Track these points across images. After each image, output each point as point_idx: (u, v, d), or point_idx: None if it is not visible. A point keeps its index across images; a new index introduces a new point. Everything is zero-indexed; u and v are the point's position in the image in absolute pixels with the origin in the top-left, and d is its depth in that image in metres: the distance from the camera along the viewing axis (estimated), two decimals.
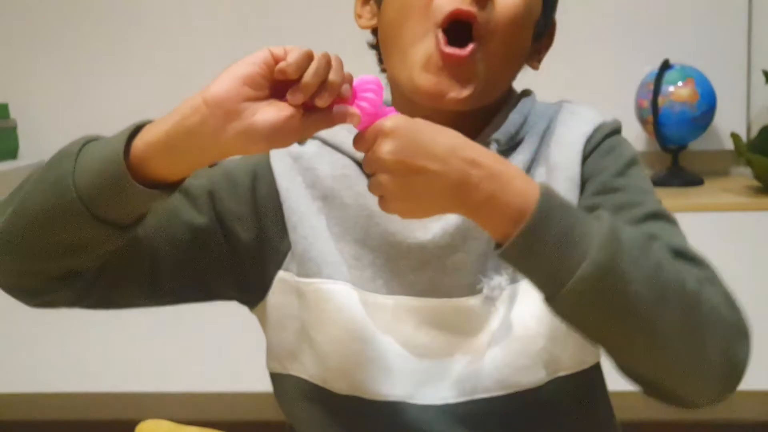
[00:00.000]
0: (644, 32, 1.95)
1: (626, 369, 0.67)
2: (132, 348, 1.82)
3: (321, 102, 0.57)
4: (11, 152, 2.06)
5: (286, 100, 0.58)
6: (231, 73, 0.58)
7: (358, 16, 0.81)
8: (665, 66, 1.76)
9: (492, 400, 0.74)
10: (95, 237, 0.64)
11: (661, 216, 0.72)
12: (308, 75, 0.56)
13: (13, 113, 2.08)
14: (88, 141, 0.64)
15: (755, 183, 1.75)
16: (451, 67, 0.71)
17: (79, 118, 1.91)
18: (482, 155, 0.62)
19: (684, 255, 0.67)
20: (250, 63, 0.58)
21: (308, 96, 0.57)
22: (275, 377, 0.81)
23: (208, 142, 0.58)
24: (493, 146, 0.74)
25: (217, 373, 1.77)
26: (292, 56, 0.57)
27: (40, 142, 2.00)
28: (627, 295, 0.60)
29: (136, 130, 0.61)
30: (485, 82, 0.73)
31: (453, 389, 0.75)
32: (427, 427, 0.75)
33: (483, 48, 0.71)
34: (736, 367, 0.64)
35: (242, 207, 0.76)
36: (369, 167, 0.61)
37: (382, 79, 0.71)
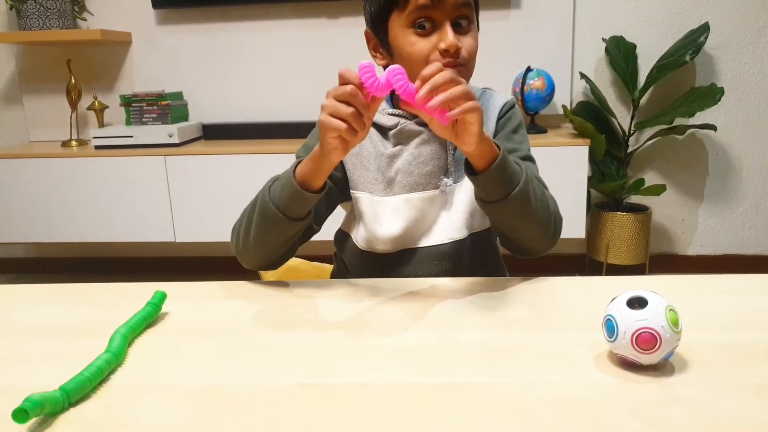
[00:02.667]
0: (516, 52, 2.40)
1: (510, 240, 0.80)
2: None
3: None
4: (185, 117, 2.61)
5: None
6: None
7: (373, 56, 0.88)
8: (528, 69, 2.27)
9: (442, 245, 0.87)
10: (293, 227, 0.78)
11: (529, 158, 0.87)
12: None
13: (185, 96, 2.66)
14: (272, 182, 0.76)
15: (574, 132, 2.27)
16: None
17: (220, 99, 2.62)
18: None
19: (541, 181, 0.83)
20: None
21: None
22: (340, 233, 0.95)
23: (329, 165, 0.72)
24: None
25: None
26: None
27: (199, 111, 2.66)
28: (529, 204, 0.75)
29: (295, 168, 0.73)
30: None
31: (429, 239, 0.87)
32: (423, 258, 0.86)
33: (459, 72, 0.77)
34: (557, 236, 0.82)
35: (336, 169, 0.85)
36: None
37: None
